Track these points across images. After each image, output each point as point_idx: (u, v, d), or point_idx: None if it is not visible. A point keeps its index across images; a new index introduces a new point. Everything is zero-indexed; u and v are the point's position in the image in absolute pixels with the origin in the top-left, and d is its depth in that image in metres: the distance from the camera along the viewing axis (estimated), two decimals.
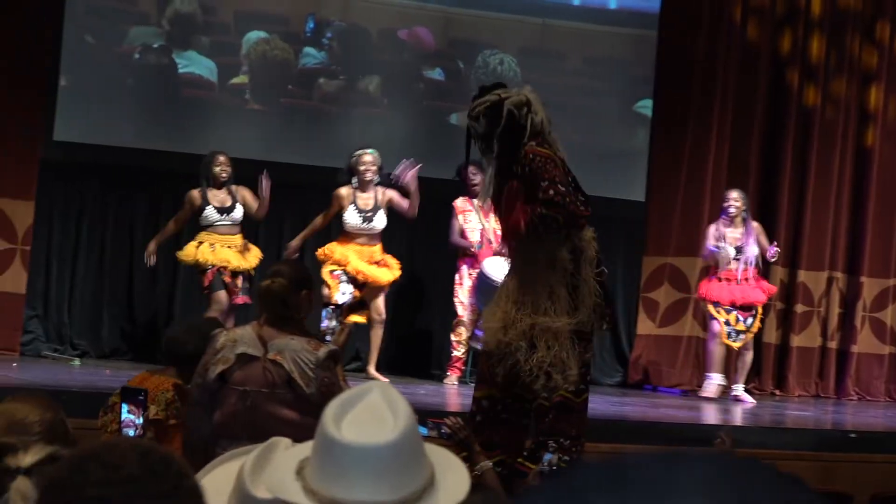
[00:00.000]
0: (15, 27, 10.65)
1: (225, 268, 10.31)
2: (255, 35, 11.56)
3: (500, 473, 5.96)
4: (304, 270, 5.95)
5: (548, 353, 6.30)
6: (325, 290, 10.22)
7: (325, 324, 10.15)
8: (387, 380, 9.27)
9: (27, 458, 2.56)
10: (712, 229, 11.26)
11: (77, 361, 10.75)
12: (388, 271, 10.52)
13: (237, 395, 5.38)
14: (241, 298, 10.37)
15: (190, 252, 10.35)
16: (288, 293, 5.46)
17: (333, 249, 10.39)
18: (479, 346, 10.37)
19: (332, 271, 10.33)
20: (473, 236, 10.78)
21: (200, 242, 10.36)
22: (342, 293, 10.30)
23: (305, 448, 2.47)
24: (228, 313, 10.29)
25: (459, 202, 10.85)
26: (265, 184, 10.20)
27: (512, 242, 6.63)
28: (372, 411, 2.36)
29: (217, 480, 2.54)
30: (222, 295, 10.27)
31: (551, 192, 6.23)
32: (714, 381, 11.33)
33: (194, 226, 10.45)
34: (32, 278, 10.87)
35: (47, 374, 9.57)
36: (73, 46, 11.05)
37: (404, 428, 2.33)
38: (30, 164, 10.75)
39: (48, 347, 10.94)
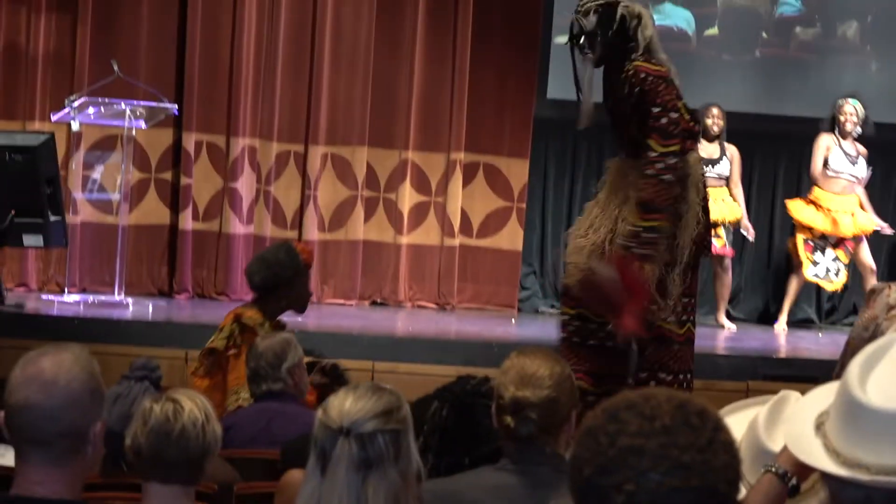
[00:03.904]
0: None
1: None
2: None
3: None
4: None
5: None
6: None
7: None
8: None
9: None
10: None
11: None
12: (864, 221, 10.18)
13: None
14: (726, 251, 10.23)
15: None
16: None
17: (799, 208, 10.15)
18: None
19: (804, 240, 10.12)
20: None
21: None
22: (814, 264, 10.06)
23: (819, 399, 2.39)
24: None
25: None
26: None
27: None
28: None
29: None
30: None
31: (663, 120, 5.76)
32: None
33: None
34: (528, 235, 11.13)
35: (544, 331, 9.76)
36: (565, 2, 11.20)
37: None
38: (525, 122, 11.00)
39: (545, 303, 11.19)
